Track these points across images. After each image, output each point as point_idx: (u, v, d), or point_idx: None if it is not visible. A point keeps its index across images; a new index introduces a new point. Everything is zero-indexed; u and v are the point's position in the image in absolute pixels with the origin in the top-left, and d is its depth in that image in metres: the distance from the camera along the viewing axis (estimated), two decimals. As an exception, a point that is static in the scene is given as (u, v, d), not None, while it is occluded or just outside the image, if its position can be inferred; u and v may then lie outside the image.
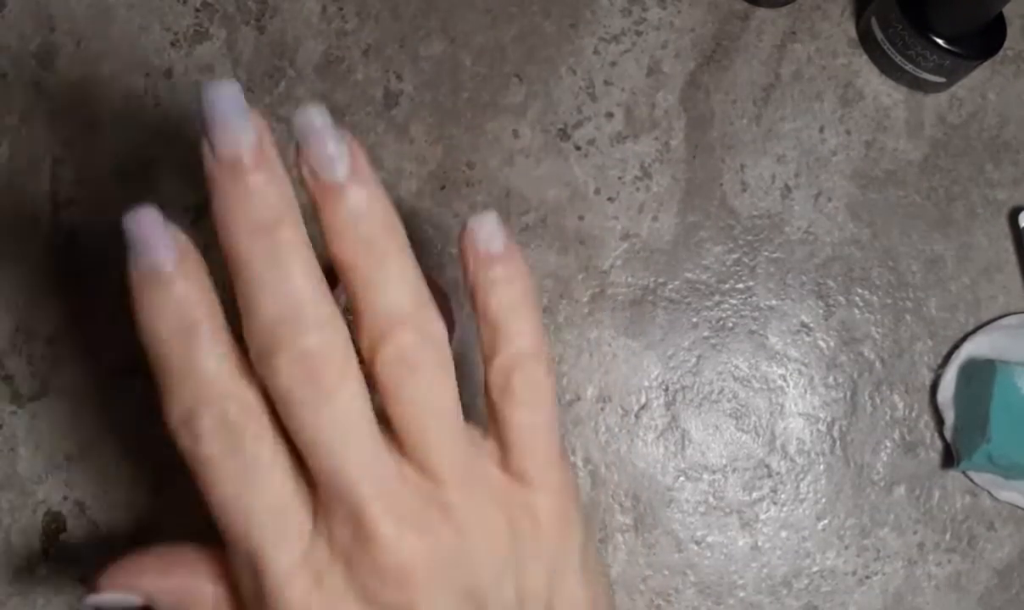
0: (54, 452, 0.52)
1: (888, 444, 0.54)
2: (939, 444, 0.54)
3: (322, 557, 0.33)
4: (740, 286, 0.54)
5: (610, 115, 0.55)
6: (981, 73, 0.56)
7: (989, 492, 0.53)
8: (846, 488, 0.53)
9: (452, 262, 0.54)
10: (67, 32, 0.55)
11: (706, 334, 0.54)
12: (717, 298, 0.54)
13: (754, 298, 0.54)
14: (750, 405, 0.54)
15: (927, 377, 0.54)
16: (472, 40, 0.55)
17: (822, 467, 0.53)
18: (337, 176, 0.34)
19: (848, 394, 0.54)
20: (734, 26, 0.56)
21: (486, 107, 0.55)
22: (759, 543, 0.53)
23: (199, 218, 0.54)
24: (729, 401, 0.54)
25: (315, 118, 0.34)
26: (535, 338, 0.37)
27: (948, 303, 0.55)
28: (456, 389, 0.37)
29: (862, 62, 0.56)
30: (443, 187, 0.54)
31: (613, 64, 0.55)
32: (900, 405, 0.54)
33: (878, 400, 0.54)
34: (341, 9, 0.55)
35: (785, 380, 0.54)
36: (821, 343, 0.54)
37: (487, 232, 0.37)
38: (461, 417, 0.37)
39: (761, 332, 0.54)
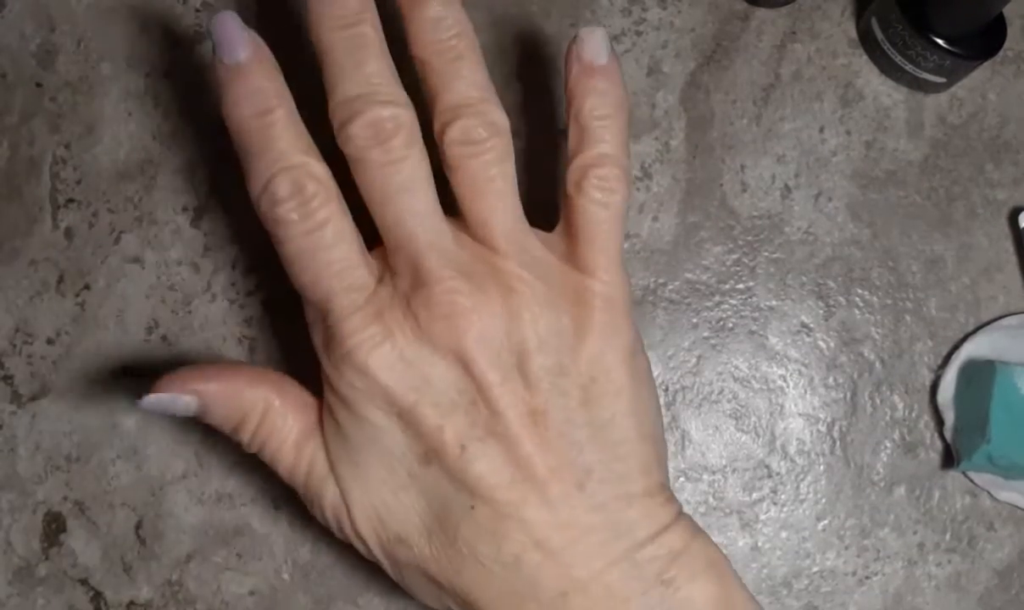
0: (54, 452, 0.52)
1: (888, 444, 0.54)
2: (939, 444, 0.54)
3: (384, 299, 0.38)
4: (740, 286, 0.54)
5: (610, 115, 0.55)
6: (981, 73, 0.56)
7: (989, 492, 0.53)
8: (846, 488, 0.53)
9: (452, 262, 0.54)
10: (67, 32, 0.55)
11: (706, 334, 0.54)
12: (717, 298, 0.54)
13: (754, 298, 0.54)
14: (750, 405, 0.54)
15: (927, 377, 0.54)
16: (472, 40, 0.55)
17: (822, 467, 0.53)
18: None
19: (848, 395, 0.54)
20: (734, 26, 0.56)
21: (486, 107, 0.55)
22: (759, 544, 0.53)
23: (198, 218, 0.54)
24: (729, 401, 0.54)
25: None
26: (617, 146, 0.40)
27: (948, 303, 0.55)
28: (515, 175, 0.41)
29: (862, 62, 0.56)
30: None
31: (613, 64, 0.55)
32: (900, 405, 0.54)
33: (878, 400, 0.54)
34: (341, 9, 0.55)
35: (785, 380, 0.54)
36: (821, 343, 0.54)
37: (595, 45, 0.41)
38: (519, 202, 0.41)
39: (761, 332, 0.54)
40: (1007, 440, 0.50)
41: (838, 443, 0.54)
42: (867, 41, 0.55)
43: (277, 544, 0.52)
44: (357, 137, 0.38)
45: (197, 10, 0.55)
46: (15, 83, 0.54)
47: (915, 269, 0.55)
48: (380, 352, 0.37)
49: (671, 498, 0.42)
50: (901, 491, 0.54)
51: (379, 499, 0.40)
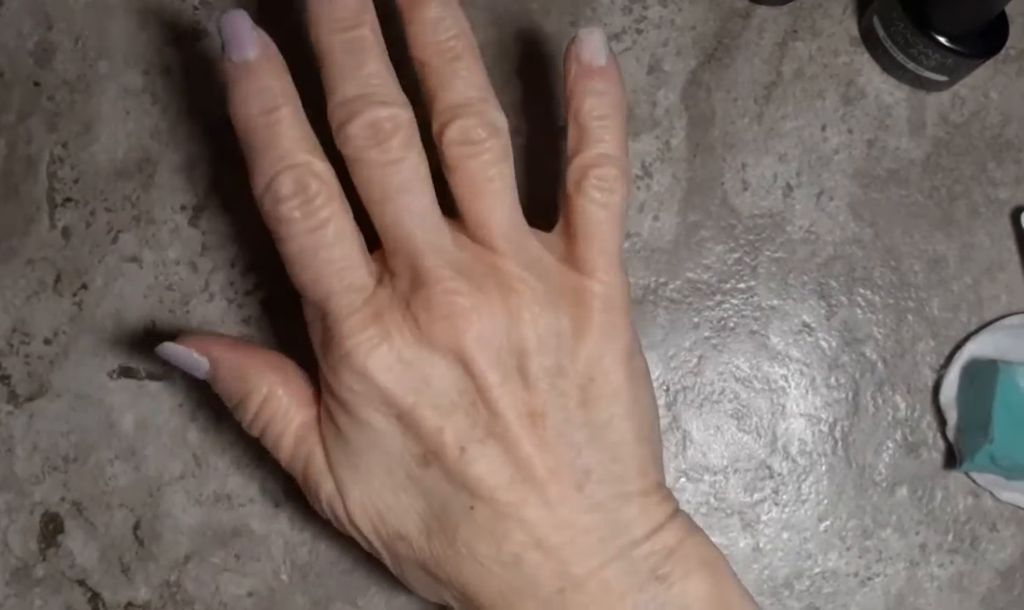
0: (51, 452, 0.52)
1: (890, 445, 0.53)
2: (941, 445, 0.54)
3: (383, 300, 0.38)
4: (741, 286, 0.54)
5: (611, 114, 0.55)
6: (983, 72, 0.56)
7: (991, 493, 0.53)
8: (848, 489, 0.53)
9: (452, 261, 0.54)
10: (65, 30, 0.54)
11: (707, 334, 0.54)
12: (718, 298, 0.54)
13: (755, 298, 0.54)
14: (751, 406, 0.53)
15: (929, 377, 0.54)
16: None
17: (824, 468, 0.53)
18: None
19: (850, 395, 0.54)
20: (735, 24, 0.55)
21: (486, 106, 0.54)
22: (760, 544, 0.53)
23: (196, 217, 0.53)
24: (730, 402, 0.53)
25: None
26: (617, 146, 0.41)
27: (950, 303, 0.54)
28: (513, 176, 0.41)
29: (864, 60, 0.56)
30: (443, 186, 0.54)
31: (614, 62, 0.55)
32: (902, 405, 0.54)
33: (880, 401, 0.54)
34: (340, 7, 0.55)
35: (787, 380, 0.54)
36: (823, 343, 0.54)
37: (594, 46, 0.41)
38: (517, 203, 0.41)
39: (763, 332, 0.54)
40: (1010, 440, 0.50)
41: (840, 443, 0.54)
42: (869, 39, 0.55)
43: (276, 545, 0.52)
44: (356, 137, 0.38)
45: (195, 7, 0.55)
46: (12, 81, 0.54)
47: (917, 268, 0.55)
48: (378, 353, 0.37)
49: (668, 496, 0.42)
50: (903, 491, 0.53)
51: (378, 498, 0.39)
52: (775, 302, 0.54)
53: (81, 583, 0.51)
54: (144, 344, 0.53)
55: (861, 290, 0.54)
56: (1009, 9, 0.54)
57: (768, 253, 0.54)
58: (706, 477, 0.53)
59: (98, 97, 0.54)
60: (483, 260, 0.38)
